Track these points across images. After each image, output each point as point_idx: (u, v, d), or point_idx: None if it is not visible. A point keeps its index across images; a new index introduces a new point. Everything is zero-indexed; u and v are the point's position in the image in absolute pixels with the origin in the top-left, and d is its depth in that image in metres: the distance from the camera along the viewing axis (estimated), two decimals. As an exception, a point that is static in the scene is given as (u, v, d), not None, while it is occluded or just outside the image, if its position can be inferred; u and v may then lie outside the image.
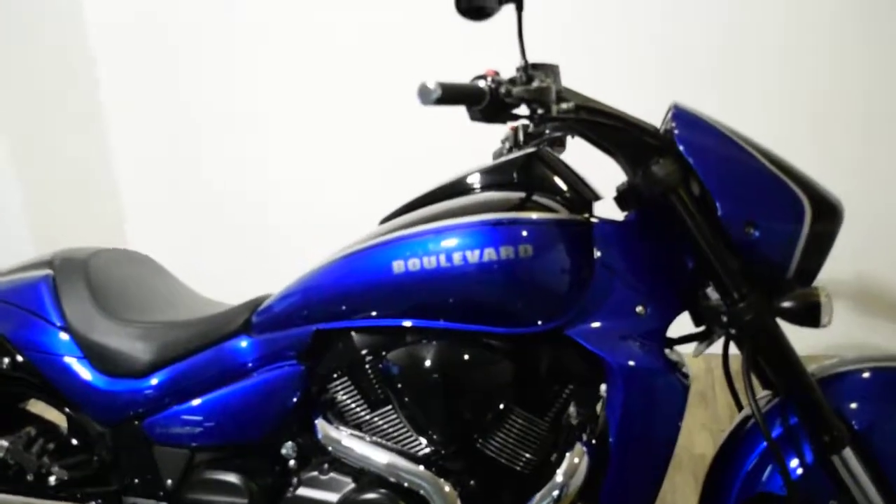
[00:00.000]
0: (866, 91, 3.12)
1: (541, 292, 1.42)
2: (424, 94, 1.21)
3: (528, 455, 1.49)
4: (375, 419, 1.55)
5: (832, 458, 1.40)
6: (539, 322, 1.42)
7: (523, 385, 1.48)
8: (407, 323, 1.47)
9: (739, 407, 1.59)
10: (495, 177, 1.52)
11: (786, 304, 1.33)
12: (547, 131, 1.59)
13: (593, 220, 1.46)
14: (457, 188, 1.55)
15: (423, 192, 1.58)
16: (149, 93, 3.88)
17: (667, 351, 1.53)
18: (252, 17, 3.67)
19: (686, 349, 1.53)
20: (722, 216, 1.36)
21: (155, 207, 4.02)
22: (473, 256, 1.40)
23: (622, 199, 1.49)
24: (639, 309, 1.43)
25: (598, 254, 1.43)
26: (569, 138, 1.59)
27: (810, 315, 1.31)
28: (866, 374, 1.48)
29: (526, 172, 1.50)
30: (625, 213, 1.51)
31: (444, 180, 1.57)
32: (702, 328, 1.52)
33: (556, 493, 1.42)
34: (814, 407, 1.40)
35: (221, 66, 3.76)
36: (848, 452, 1.40)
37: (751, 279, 1.38)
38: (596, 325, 1.42)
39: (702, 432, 2.85)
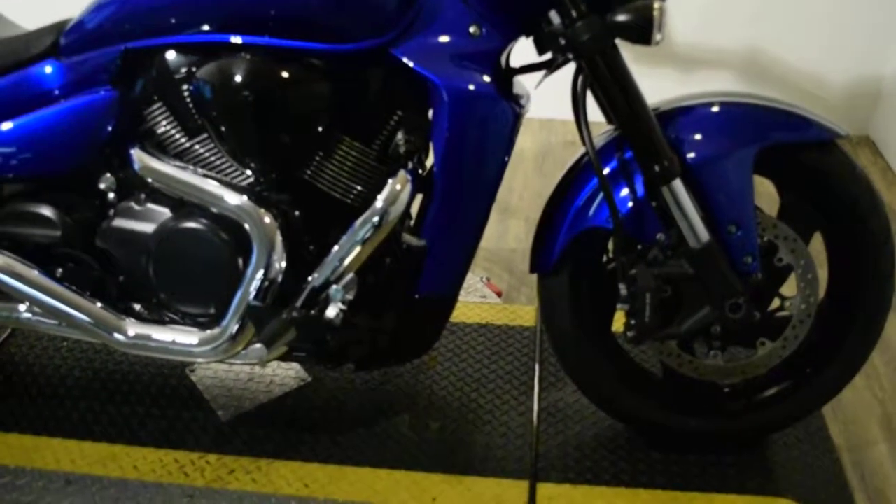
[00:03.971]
0: None
1: (362, 3, 1.30)
2: None
3: (357, 186, 1.42)
4: (195, 147, 1.44)
5: (661, 188, 1.38)
6: (362, 38, 1.31)
7: (348, 110, 1.38)
8: (226, 39, 1.34)
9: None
10: None
11: (619, 18, 1.25)
12: None
13: None
14: None
15: None
16: None
17: (512, 81, 1.45)
18: None
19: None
20: None
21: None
22: None
23: None
24: (472, 29, 1.33)
25: None
26: None
27: (643, 30, 1.23)
28: (708, 109, 1.44)
29: None
30: None
31: None
32: (546, 57, 1.44)
33: (375, 219, 1.37)
34: (648, 137, 1.36)
35: None
36: (677, 183, 1.37)
37: None
38: (423, 43, 1.32)
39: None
